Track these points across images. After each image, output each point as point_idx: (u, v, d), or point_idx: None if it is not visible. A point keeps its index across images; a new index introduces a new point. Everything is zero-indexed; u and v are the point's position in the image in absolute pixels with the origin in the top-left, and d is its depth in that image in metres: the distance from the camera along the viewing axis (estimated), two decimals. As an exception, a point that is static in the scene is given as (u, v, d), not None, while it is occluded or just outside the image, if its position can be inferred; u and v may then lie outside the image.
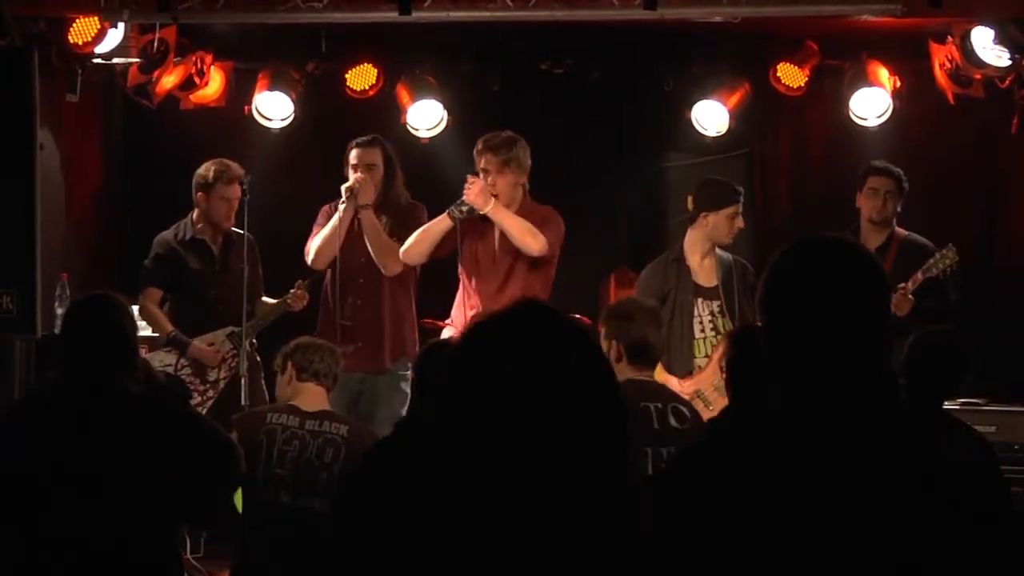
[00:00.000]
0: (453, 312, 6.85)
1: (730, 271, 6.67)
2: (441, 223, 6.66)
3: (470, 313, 6.65)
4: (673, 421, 4.95)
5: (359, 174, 6.82)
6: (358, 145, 6.91)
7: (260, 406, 6.19)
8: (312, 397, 5.43)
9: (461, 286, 6.80)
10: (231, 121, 8.08)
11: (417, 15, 6.68)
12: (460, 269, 6.77)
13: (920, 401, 4.44)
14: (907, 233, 6.79)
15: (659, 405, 4.96)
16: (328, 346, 5.66)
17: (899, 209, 6.84)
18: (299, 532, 5.09)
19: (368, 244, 6.83)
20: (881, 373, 2.18)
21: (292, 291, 6.96)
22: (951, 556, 2.09)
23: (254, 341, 6.93)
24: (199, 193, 7.01)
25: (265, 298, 7.17)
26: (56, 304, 6.80)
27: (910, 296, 6.37)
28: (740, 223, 6.67)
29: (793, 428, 2.16)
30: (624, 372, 4.97)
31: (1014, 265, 7.85)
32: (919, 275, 6.50)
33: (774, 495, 2.11)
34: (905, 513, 2.09)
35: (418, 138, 7.97)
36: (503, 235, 6.66)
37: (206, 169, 7.00)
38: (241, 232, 7.00)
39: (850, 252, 2.22)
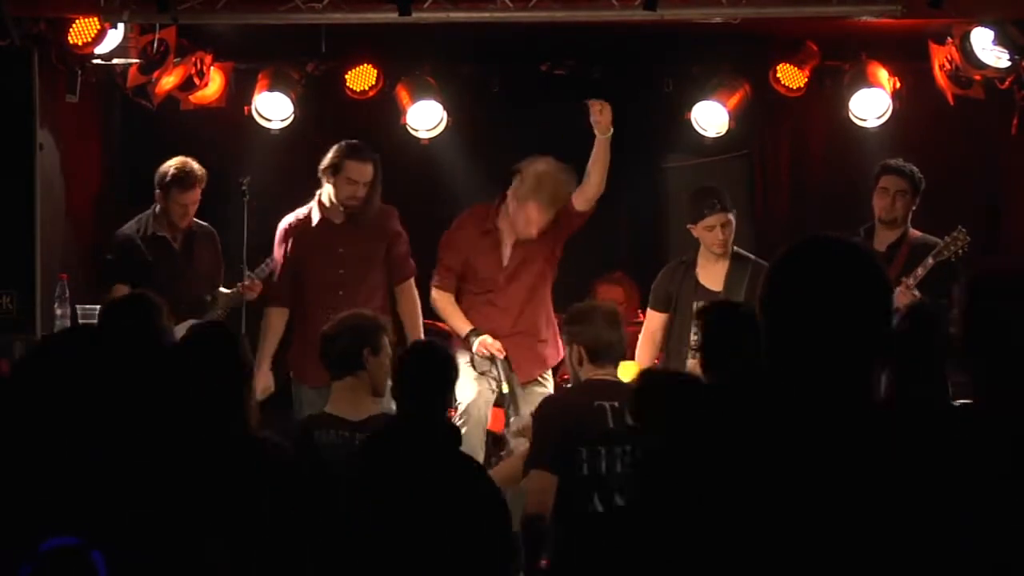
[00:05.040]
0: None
1: (741, 275, 6.63)
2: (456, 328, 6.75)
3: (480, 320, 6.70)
4: (630, 419, 4.96)
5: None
6: (360, 159, 6.72)
7: None
8: None
9: (466, 294, 6.82)
10: (231, 121, 8.08)
11: (417, 16, 6.68)
12: (464, 280, 6.80)
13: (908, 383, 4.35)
14: (921, 234, 6.77)
15: (615, 404, 5.03)
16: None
17: (914, 208, 6.79)
18: None
19: None
20: (878, 372, 2.19)
21: (243, 282, 6.92)
22: (950, 555, 2.10)
23: None
24: (157, 191, 7.02)
25: (222, 288, 7.15)
26: (56, 304, 6.77)
27: (914, 291, 6.35)
28: (720, 234, 6.61)
29: (790, 426, 2.16)
30: (586, 372, 5.15)
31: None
32: (930, 260, 6.50)
33: (768, 495, 2.11)
34: (899, 515, 2.09)
35: (418, 139, 7.96)
36: (513, 245, 6.73)
37: (166, 169, 6.98)
38: (203, 224, 7.05)
39: (850, 252, 2.22)
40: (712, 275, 6.70)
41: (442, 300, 6.82)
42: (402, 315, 6.88)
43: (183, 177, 6.94)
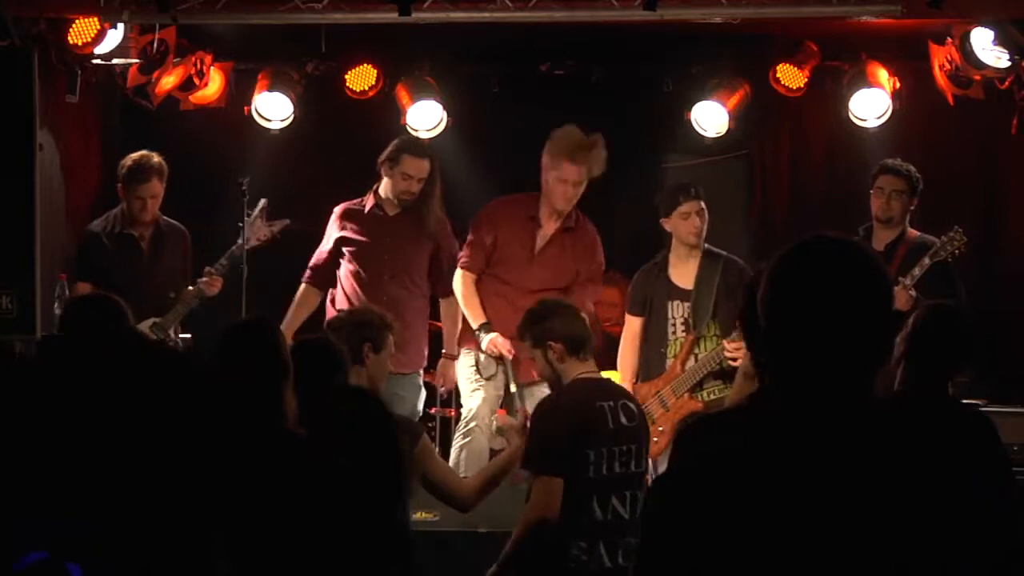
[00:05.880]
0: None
1: (712, 271, 6.65)
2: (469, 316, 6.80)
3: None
4: (623, 419, 4.95)
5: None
6: (417, 154, 6.87)
7: None
8: None
9: (484, 276, 6.84)
10: (231, 122, 8.08)
11: (417, 16, 6.68)
12: (488, 261, 6.83)
13: (923, 378, 4.35)
14: (919, 233, 6.77)
15: (611, 403, 4.96)
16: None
17: (911, 208, 6.79)
18: None
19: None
20: (881, 373, 2.18)
21: (203, 279, 6.91)
22: (953, 553, 2.10)
23: (171, 335, 6.89)
24: (118, 184, 7.00)
25: (191, 288, 7.13)
26: (55, 304, 6.77)
27: (911, 291, 6.35)
28: (696, 221, 6.65)
29: (793, 431, 2.15)
30: (573, 368, 4.97)
31: (1014, 266, 7.85)
32: (926, 260, 6.50)
33: (774, 500, 2.11)
34: (905, 516, 2.09)
35: (418, 139, 7.96)
36: (545, 247, 6.81)
37: (124, 161, 6.97)
38: (173, 223, 7.03)
39: (851, 252, 2.21)
40: (684, 273, 6.73)
41: (464, 283, 6.84)
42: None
43: (137, 169, 6.91)
